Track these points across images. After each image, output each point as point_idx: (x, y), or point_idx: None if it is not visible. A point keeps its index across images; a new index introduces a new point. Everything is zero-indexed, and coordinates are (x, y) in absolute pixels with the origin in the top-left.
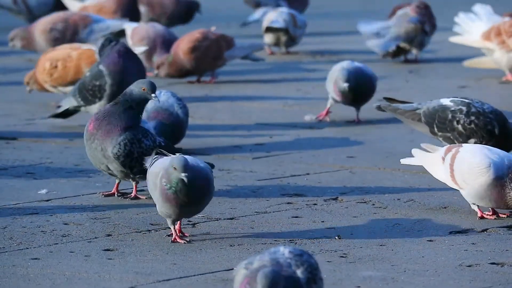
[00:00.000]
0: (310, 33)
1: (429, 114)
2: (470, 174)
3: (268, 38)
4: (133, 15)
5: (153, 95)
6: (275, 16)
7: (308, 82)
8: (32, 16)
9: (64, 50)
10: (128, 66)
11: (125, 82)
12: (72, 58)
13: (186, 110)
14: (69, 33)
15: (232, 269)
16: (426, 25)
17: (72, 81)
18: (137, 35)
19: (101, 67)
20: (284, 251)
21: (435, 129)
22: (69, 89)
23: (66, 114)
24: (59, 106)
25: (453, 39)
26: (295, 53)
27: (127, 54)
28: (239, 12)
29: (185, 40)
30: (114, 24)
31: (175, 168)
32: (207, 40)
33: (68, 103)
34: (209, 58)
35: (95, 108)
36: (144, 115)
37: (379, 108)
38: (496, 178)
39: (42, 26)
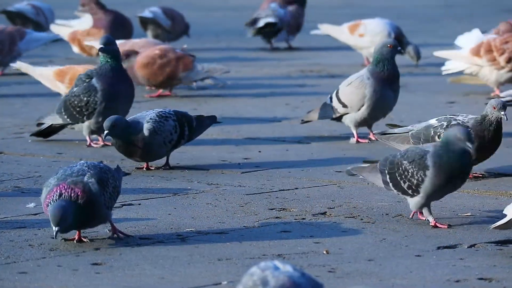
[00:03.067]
0: (300, 47)
1: (416, 135)
2: None
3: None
4: (122, 34)
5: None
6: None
7: (297, 97)
8: (46, 28)
9: None
10: (122, 89)
11: (113, 105)
12: None
13: (154, 127)
14: (7, 44)
15: (220, 283)
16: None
17: None
18: (127, 45)
19: (95, 82)
20: (293, 274)
21: None
22: None
23: (49, 132)
24: (40, 124)
25: (439, 53)
26: (284, 67)
27: (123, 77)
28: (230, 26)
29: (144, 54)
30: (48, 36)
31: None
32: (164, 58)
33: (52, 120)
34: (162, 77)
35: (82, 127)
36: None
37: (380, 135)
38: None
39: None
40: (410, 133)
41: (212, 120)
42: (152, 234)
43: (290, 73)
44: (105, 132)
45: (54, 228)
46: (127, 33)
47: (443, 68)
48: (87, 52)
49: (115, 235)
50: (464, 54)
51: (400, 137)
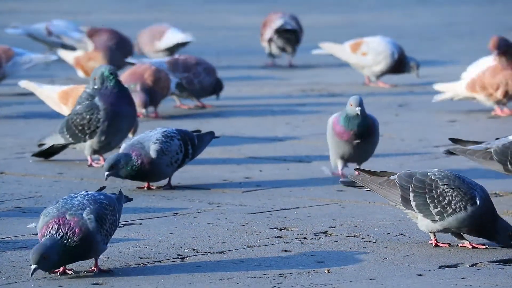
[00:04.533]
0: (300, 66)
1: (501, 153)
2: None
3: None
4: (122, 54)
5: None
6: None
7: (297, 116)
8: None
9: None
10: (124, 108)
11: (115, 124)
12: None
13: (161, 148)
14: None
15: None
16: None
17: None
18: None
19: (97, 101)
20: None
21: (509, 166)
22: None
23: (50, 153)
24: (41, 144)
25: (438, 86)
26: (285, 86)
27: (125, 96)
28: (230, 45)
29: (150, 71)
30: (37, 57)
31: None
32: (163, 72)
33: (54, 140)
34: (166, 89)
35: (84, 146)
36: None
37: (448, 152)
38: None
39: None
40: (492, 149)
41: (211, 136)
42: (153, 253)
43: (290, 92)
44: (105, 173)
45: (32, 265)
46: (127, 52)
47: (435, 99)
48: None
49: (94, 270)
50: (462, 88)
51: (481, 153)
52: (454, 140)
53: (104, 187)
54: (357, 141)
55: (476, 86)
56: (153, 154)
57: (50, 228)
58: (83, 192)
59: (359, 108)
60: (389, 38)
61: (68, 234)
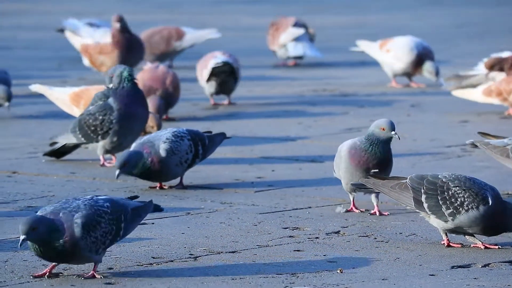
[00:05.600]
0: (313, 65)
1: None
2: None
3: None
4: (134, 58)
5: None
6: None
7: (309, 116)
8: None
9: None
10: (137, 110)
11: (128, 125)
12: None
13: (171, 147)
14: None
15: None
16: None
17: None
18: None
19: (112, 102)
20: None
21: None
22: None
23: (62, 152)
24: (54, 143)
25: (456, 92)
26: (297, 86)
27: (139, 98)
28: (241, 46)
29: (171, 77)
30: None
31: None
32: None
33: (66, 139)
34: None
35: (97, 146)
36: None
37: (472, 144)
38: None
39: None
40: (510, 147)
41: (222, 137)
42: (165, 253)
43: (302, 92)
44: (117, 172)
45: (21, 236)
46: (139, 57)
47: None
48: (97, 67)
49: (92, 275)
50: (478, 95)
51: (499, 149)
52: (483, 134)
53: (137, 196)
54: (375, 170)
55: (492, 93)
56: (162, 153)
57: None
58: (89, 196)
59: (395, 132)
60: (418, 38)
61: (59, 227)
